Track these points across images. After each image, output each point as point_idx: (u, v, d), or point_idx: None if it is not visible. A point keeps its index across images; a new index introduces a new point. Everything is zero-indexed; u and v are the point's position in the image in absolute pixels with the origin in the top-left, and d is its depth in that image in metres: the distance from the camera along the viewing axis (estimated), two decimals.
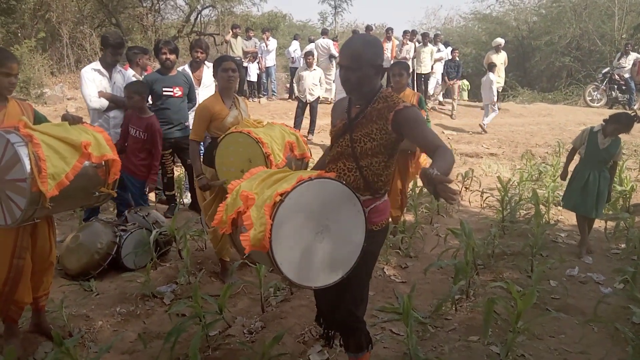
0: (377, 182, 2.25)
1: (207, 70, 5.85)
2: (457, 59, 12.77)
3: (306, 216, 2.01)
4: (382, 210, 2.31)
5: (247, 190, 2.11)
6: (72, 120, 2.74)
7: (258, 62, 12.85)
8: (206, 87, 5.83)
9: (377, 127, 2.18)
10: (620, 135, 4.47)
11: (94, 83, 4.50)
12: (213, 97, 3.69)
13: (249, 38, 12.88)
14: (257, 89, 13.23)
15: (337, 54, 13.18)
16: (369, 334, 2.47)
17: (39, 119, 2.82)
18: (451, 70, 12.39)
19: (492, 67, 11.10)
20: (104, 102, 4.50)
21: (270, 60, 13.17)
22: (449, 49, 13.93)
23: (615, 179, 6.16)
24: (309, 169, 3.39)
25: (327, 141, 9.51)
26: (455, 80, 12.35)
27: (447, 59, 13.16)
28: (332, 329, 2.52)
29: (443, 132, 10.57)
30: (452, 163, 1.97)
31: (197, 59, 5.61)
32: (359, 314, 2.37)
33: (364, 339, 2.42)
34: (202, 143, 3.76)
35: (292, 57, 13.69)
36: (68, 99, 11.90)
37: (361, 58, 2.15)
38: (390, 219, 2.43)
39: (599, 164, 4.49)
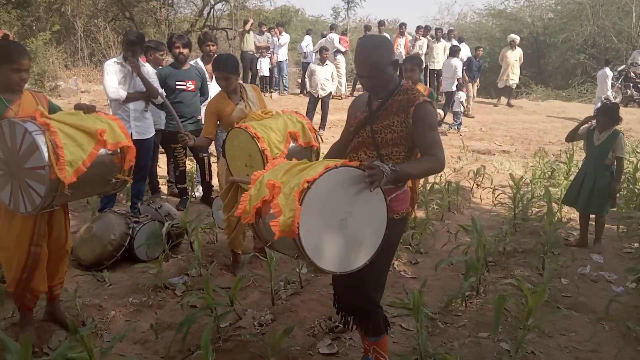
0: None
1: None
2: (480, 59, 12.13)
3: (331, 203, 2.08)
4: (403, 200, 2.37)
5: (273, 179, 2.15)
6: (86, 109, 2.77)
7: (270, 57, 12.85)
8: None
9: (399, 120, 2.25)
10: (622, 132, 4.42)
11: (115, 75, 4.54)
12: (219, 95, 3.76)
13: (261, 33, 12.88)
14: (269, 83, 13.24)
15: (342, 48, 13.15)
16: (387, 318, 2.53)
17: (53, 109, 2.85)
18: (475, 69, 11.52)
19: (456, 52, 10.67)
20: (122, 93, 4.53)
21: (282, 55, 13.16)
22: (464, 45, 13.81)
23: (629, 178, 6.14)
24: (320, 158, 3.40)
25: (338, 136, 9.50)
26: (475, 80, 11.67)
27: (467, 55, 12.97)
28: (350, 314, 2.56)
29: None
30: (423, 171, 2.21)
31: (210, 53, 5.63)
32: (377, 299, 2.43)
33: (383, 323, 2.47)
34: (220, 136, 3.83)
35: (305, 52, 13.68)
36: (82, 92, 11.99)
37: (380, 64, 2.23)
38: (409, 209, 2.50)
39: (595, 161, 4.49)
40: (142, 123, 4.71)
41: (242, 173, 3.37)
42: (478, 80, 12.14)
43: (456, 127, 10.38)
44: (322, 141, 3.62)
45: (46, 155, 2.42)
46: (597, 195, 4.46)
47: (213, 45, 5.64)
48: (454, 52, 10.76)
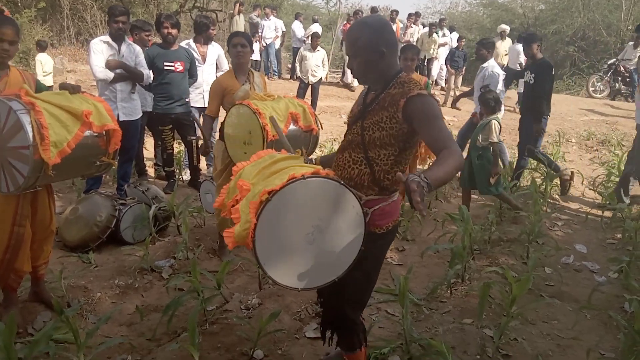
0: (384, 180, 2.04)
1: (212, 47, 5.81)
2: (462, 49, 12.24)
3: (295, 216, 1.91)
4: (389, 213, 2.10)
5: (247, 177, 2.04)
6: (71, 89, 2.71)
7: (257, 41, 12.76)
8: (210, 64, 5.80)
9: (388, 115, 1.97)
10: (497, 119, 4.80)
11: (102, 54, 4.47)
12: (227, 73, 3.79)
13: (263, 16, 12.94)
14: (265, 68, 13.21)
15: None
16: (364, 332, 2.37)
17: (40, 89, 2.80)
18: (458, 59, 11.73)
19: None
20: (109, 74, 4.46)
21: (270, 39, 13.06)
22: (455, 34, 13.82)
23: (612, 170, 6.22)
24: (316, 151, 3.37)
25: (328, 123, 9.50)
26: (460, 70, 11.87)
27: (452, 46, 13.01)
28: (325, 325, 2.40)
29: (444, 118, 10.52)
30: (451, 172, 1.74)
31: (211, 36, 5.63)
32: (353, 316, 2.24)
33: (356, 339, 2.30)
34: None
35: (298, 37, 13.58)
36: (68, 72, 11.78)
37: (357, 43, 1.99)
38: (399, 220, 2.24)
39: (473, 142, 4.91)
40: (129, 104, 4.65)
41: (239, 151, 3.33)
42: (464, 69, 12.21)
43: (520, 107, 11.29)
44: (322, 127, 3.59)
45: (31, 135, 2.38)
46: (476, 173, 4.82)
47: (213, 30, 5.57)
48: (521, 38, 11.09)
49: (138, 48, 4.82)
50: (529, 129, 5.84)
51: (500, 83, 5.97)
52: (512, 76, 11.50)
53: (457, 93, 11.17)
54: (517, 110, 11.45)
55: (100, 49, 4.47)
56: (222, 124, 3.56)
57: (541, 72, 5.70)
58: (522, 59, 11.44)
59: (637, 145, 5.51)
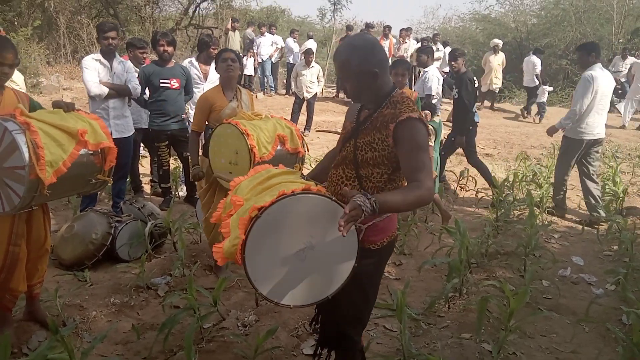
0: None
1: (214, 66, 5.86)
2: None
3: (286, 233, 1.89)
4: (383, 229, 2.07)
5: (243, 192, 2.03)
6: (65, 107, 2.72)
7: (252, 57, 12.88)
8: (211, 83, 5.83)
9: (379, 137, 1.96)
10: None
11: (94, 70, 4.49)
12: (214, 88, 3.75)
13: (263, 34, 13.13)
14: (261, 84, 13.32)
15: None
16: (362, 352, 2.31)
17: (34, 107, 2.80)
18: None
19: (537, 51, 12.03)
20: (104, 89, 4.48)
21: (266, 55, 13.16)
22: (448, 48, 13.91)
23: (608, 182, 6.25)
24: (302, 170, 3.38)
25: (324, 138, 9.54)
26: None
27: (446, 60, 13.04)
28: (322, 342, 2.35)
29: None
30: (410, 203, 1.80)
31: (212, 55, 5.65)
32: (352, 334, 2.18)
33: (351, 358, 2.24)
34: (203, 134, 3.79)
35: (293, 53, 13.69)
36: (64, 89, 11.83)
37: (348, 67, 1.96)
38: (395, 236, 2.20)
39: None
40: (121, 121, 4.66)
41: (225, 170, 3.34)
42: None
43: (539, 117, 11.97)
44: (308, 150, 3.61)
45: (26, 155, 2.37)
46: None
47: (214, 49, 5.52)
48: (535, 50, 11.94)
49: (129, 64, 4.84)
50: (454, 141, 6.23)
51: (436, 87, 6.40)
52: (531, 90, 12.12)
53: None
54: (537, 121, 12.02)
55: (93, 66, 4.49)
56: (207, 140, 3.56)
57: (461, 85, 5.93)
58: (538, 70, 11.86)
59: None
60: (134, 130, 4.88)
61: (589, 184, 5.45)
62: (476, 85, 6.11)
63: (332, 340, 2.27)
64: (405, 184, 2.03)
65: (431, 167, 1.93)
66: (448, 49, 13.92)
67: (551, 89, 12.64)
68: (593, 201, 5.42)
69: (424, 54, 6.50)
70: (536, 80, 12.00)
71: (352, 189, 2.03)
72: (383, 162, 1.99)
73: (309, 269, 1.94)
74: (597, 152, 5.48)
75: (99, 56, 4.57)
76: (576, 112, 5.19)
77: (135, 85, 4.74)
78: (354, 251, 1.98)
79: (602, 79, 5.18)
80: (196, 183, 3.93)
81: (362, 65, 1.95)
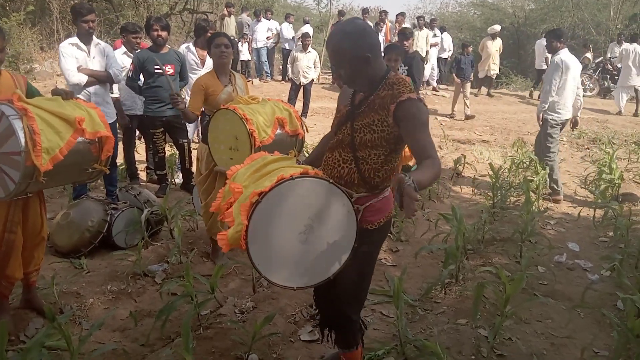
0: (374, 178, 2.07)
1: None
2: (470, 54, 10.82)
3: (287, 217, 1.93)
4: (380, 209, 2.13)
5: (240, 179, 2.06)
6: (64, 94, 2.70)
7: (247, 42, 12.78)
8: (208, 68, 5.77)
9: (379, 118, 2.00)
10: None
11: (73, 58, 4.34)
12: (208, 73, 3.70)
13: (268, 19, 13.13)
14: (257, 70, 13.22)
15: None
16: (362, 331, 2.40)
17: (31, 92, 2.78)
18: (465, 66, 10.50)
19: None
20: (83, 77, 4.35)
21: (261, 41, 13.05)
22: (446, 34, 13.87)
23: (604, 168, 6.27)
24: (302, 152, 3.36)
25: (320, 124, 9.51)
26: (468, 78, 10.65)
27: (448, 45, 13.05)
28: (323, 323, 2.44)
29: (436, 118, 10.57)
30: (433, 178, 1.85)
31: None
32: (350, 313, 2.26)
33: (352, 337, 2.33)
34: (199, 120, 3.74)
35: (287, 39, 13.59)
36: (58, 75, 11.69)
37: (340, 53, 1.98)
38: (391, 216, 2.25)
39: None
40: (104, 108, 4.52)
41: (225, 156, 3.32)
42: (472, 76, 11.18)
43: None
44: (307, 131, 3.59)
45: (23, 140, 2.35)
46: None
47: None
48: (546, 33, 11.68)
49: (109, 48, 4.68)
50: None
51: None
52: (540, 73, 12.07)
53: (468, 103, 10.70)
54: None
55: (71, 52, 4.33)
56: (206, 126, 3.53)
57: (411, 64, 5.97)
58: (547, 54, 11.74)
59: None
60: (115, 117, 4.78)
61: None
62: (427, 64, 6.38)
63: (331, 320, 2.35)
64: (400, 165, 2.05)
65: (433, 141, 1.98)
66: (446, 35, 13.89)
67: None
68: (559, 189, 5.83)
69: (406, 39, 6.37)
70: (545, 64, 11.92)
71: (348, 171, 2.08)
72: (381, 143, 2.02)
73: (310, 251, 1.99)
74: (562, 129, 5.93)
75: (75, 40, 4.39)
76: (548, 94, 5.54)
77: (116, 71, 4.59)
78: (353, 232, 2.03)
79: (570, 62, 5.50)
80: (193, 170, 3.88)
81: (355, 51, 1.96)
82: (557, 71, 5.47)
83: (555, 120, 5.64)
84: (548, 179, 5.78)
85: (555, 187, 5.80)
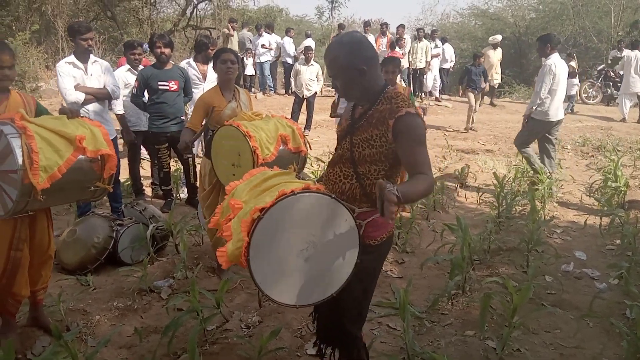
0: (375, 193, 2.03)
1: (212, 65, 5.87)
2: (481, 65, 10.57)
3: (289, 233, 1.90)
4: (382, 224, 2.08)
5: (239, 195, 2.03)
6: (69, 114, 2.72)
7: (250, 57, 12.90)
8: (211, 83, 5.83)
9: (377, 133, 1.98)
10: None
11: (70, 76, 4.36)
12: (213, 89, 3.74)
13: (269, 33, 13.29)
14: (261, 84, 13.34)
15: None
16: (365, 348, 2.34)
17: (40, 112, 2.81)
18: (476, 77, 10.28)
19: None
20: (80, 96, 4.37)
21: (264, 56, 13.16)
22: (448, 45, 13.93)
23: (609, 176, 6.26)
24: (304, 170, 3.37)
25: (324, 137, 9.53)
26: (481, 89, 10.50)
27: (450, 56, 13.11)
28: (324, 341, 2.38)
29: (438, 129, 10.58)
30: (421, 193, 1.88)
31: (210, 55, 5.64)
32: (353, 330, 2.21)
33: (356, 355, 2.27)
34: (203, 135, 3.77)
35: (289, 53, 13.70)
36: None
37: (336, 63, 2.00)
38: (393, 231, 2.23)
39: None
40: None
41: (228, 173, 3.34)
42: (487, 85, 10.91)
43: (570, 109, 11.88)
44: (310, 147, 3.60)
45: (20, 158, 2.36)
46: None
47: (212, 50, 5.41)
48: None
49: (106, 64, 4.69)
50: None
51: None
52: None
53: (475, 117, 10.52)
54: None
55: (68, 71, 4.35)
56: (208, 141, 3.56)
57: None
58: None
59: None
60: (115, 134, 4.81)
61: (547, 161, 6.20)
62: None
63: (332, 336, 2.30)
64: (399, 180, 2.08)
65: (429, 159, 2.00)
66: (447, 46, 13.96)
67: (577, 83, 12.77)
68: (543, 166, 6.12)
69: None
70: None
71: (350, 186, 2.07)
72: (380, 159, 2.01)
73: (313, 268, 1.96)
74: (557, 131, 6.28)
75: (72, 58, 4.42)
76: (539, 95, 5.86)
77: (113, 87, 4.62)
78: (355, 248, 2.00)
79: (560, 66, 5.85)
80: (197, 185, 3.91)
81: (350, 62, 1.98)
82: (549, 74, 5.78)
83: (541, 121, 5.97)
84: (529, 167, 6.23)
85: (536, 168, 6.08)
